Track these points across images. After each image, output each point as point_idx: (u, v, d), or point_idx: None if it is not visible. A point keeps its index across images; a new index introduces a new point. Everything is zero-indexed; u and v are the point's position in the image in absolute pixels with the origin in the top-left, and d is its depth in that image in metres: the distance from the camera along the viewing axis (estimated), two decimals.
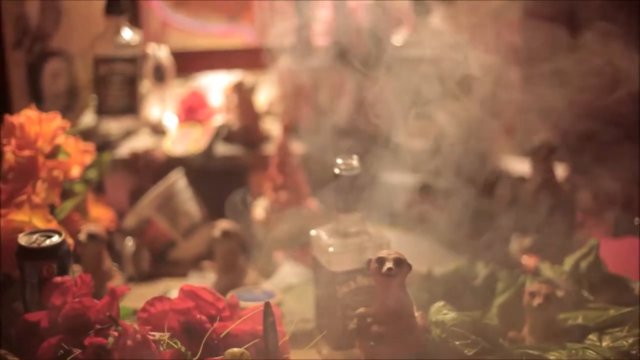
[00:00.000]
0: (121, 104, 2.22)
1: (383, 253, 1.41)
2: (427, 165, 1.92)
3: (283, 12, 2.13)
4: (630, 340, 1.48)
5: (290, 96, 2.24)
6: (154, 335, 1.39)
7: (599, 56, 1.80)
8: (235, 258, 1.86)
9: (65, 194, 1.77)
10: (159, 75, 2.31)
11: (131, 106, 2.23)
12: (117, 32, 2.19)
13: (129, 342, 1.35)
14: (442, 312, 1.50)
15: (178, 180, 2.08)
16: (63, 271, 1.48)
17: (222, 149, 2.17)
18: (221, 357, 1.37)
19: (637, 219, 1.95)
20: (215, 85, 2.42)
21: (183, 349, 1.39)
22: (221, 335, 1.41)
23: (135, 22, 2.42)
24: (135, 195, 2.09)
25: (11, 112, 1.78)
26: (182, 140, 2.20)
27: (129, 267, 1.99)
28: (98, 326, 1.37)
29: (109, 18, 2.19)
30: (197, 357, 1.38)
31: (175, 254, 2.06)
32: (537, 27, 1.90)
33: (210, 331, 1.40)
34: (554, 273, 1.67)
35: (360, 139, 1.99)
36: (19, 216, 1.60)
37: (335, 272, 1.56)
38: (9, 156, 1.67)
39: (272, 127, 2.25)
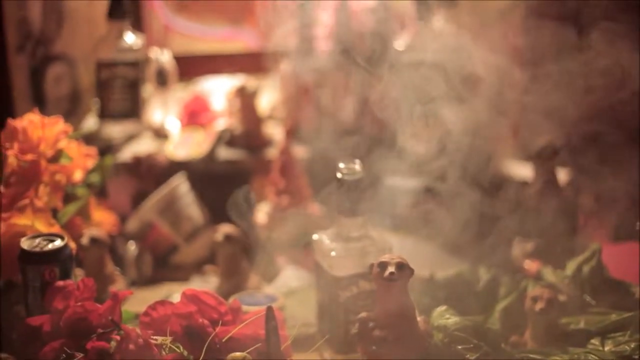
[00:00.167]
0: (123, 108, 2.22)
1: (385, 257, 1.41)
2: (430, 168, 1.92)
3: (285, 16, 2.13)
4: (633, 345, 1.48)
5: (292, 100, 2.24)
6: (156, 340, 1.39)
7: (604, 57, 1.80)
8: (237, 262, 1.86)
9: (68, 198, 1.78)
10: (162, 79, 2.31)
11: (133, 110, 2.23)
12: (120, 36, 2.20)
13: (131, 346, 1.35)
14: (444, 317, 1.50)
15: (180, 184, 2.08)
16: (65, 275, 1.48)
17: (225, 153, 2.17)
18: None
19: (639, 223, 1.95)
20: (218, 90, 2.42)
21: (185, 353, 1.39)
22: (223, 340, 1.41)
23: (138, 26, 2.42)
24: (138, 199, 2.09)
25: (14, 116, 1.78)
26: (184, 145, 2.20)
27: (131, 271, 1.99)
28: (100, 330, 1.37)
29: (111, 22, 2.20)
30: None
31: (177, 258, 2.06)
32: (541, 29, 1.90)
33: (212, 335, 1.40)
34: (556, 277, 1.67)
35: (363, 142, 1.98)
36: (22, 220, 1.61)
37: (338, 276, 1.56)
38: (12, 160, 1.67)
39: (275, 131, 2.25)
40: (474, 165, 1.88)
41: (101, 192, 2.05)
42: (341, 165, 1.56)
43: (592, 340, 1.52)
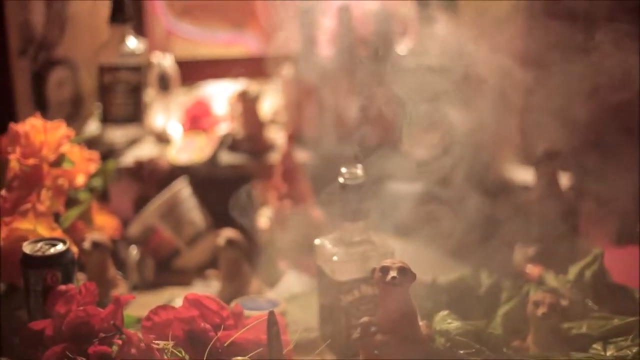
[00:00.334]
0: (126, 113, 2.22)
1: (387, 262, 1.41)
2: (432, 172, 1.92)
3: (288, 20, 2.13)
4: (635, 350, 1.48)
5: (294, 105, 2.24)
6: (158, 344, 1.39)
7: (608, 60, 1.80)
8: (239, 267, 1.86)
9: (70, 203, 1.78)
10: (164, 83, 2.31)
11: (136, 115, 2.23)
12: (122, 40, 2.20)
13: (133, 351, 1.35)
14: (446, 321, 1.50)
15: (182, 188, 2.08)
16: (67, 279, 1.48)
17: (227, 158, 2.17)
18: None
19: None
20: (220, 94, 2.43)
21: (187, 357, 1.39)
22: (225, 344, 1.41)
23: (140, 30, 2.42)
24: (140, 204, 2.09)
25: (16, 121, 1.78)
26: (186, 149, 2.20)
27: (133, 275, 1.99)
28: (102, 334, 1.37)
29: (113, 27, 2.20)
30: None
31: (179, 263, 2.06)
32: (543, 32, 1.90)
33: (214, 340, 1.40)
34: (558, 282, 1.67)
35: (366, 147, 1.98)
36: (24, 224, 1.61)
37: (340, 281, 1.56)
38: (14, 164, 1.67)
39: (277, 135, 2.25)
40: (476, 169, 1.88)
41: (103, 197, 2.05)
42: (343, 169, 1.56)
43: (594, 345, 1.52)
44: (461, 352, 1.46)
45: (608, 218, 2.00)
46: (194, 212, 2.08)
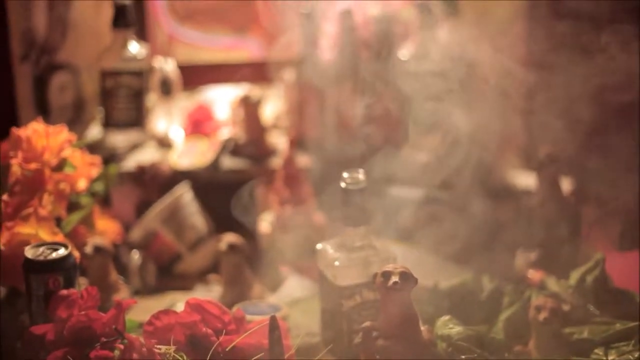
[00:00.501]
0: (127, 117, 2.23)
1: (389, 267, 1.41)
2: (434, 177, 1.92)
3: (289, 25, 2.13)
4: (637, 355, 1.48)
5: (296, 109, 2.24)
6: (159, 349, 1.39)
7: (609, 65, 1.80)
8: (241, 271, 1.86)
9: (72, 207, 1.78)
10: (166, 88, 2.31)
11: (137, 119, 2.24)
12: (124, 45, 2.20)
13: (135, 356, 1.35)
14: (448, 326, 1.50)
15: (184, 193, 2.08)
16: (69, 284, 1.48)
17: (229, 163, 2.18)
18: None
19: None
20: (222, 99, 2.43)
21: None
22: (227, 349, 1.41)
23: (142, 35, 2.42)
24: (142, 208, 2.09)
25: (18, 125, 1.78)
26: (188, 154, 2.20)
27: (135, 280, 1.99)
28: (104, 339, 1.37)
29: (115, 31, 2.20)
30: None
31: (181, 267, 2.06)
32: (544, 36, 1.90)
33: (216, 345, 1.40)
34: (559, 287, 1.67)
35: (368, 151, 1.99)
36: (26, 229, 1.61)
37: (341, 286, 1.56)
38: (16, 169, 1.67)
39: (279, 140, 2.25)
40: (478, 173, 1.88)
41: (105, 201, 2.05)
42: (345, 174, 1.56)
43: (596, 350, 1.51)
44: (463, 357, 1.46)
45: (610, 223, 2.00)
46: (195, 217, 2.08)
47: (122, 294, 1.82)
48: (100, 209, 1.97)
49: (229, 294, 1.85)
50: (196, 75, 2.54)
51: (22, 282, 1.50)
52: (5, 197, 1.65)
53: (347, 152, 2.03)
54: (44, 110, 2.17)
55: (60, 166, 1.72)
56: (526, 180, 2.10)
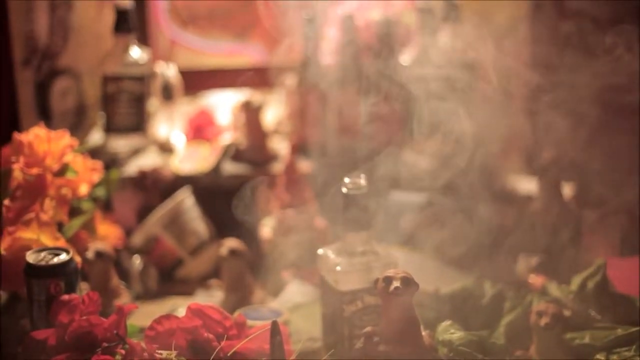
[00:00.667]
0: (129, 122, 2.23)
1: (390, 272, 1.41)
2: (435, 182, 1.92)
3: (291, 30, 2.13)
4: None
5: (298, 115, 2.24)
6: (161, 354, 1.38)
7: (611, 67, 1.80)
8: (242, 276, 1.86)
9: (73, 212, 1.78)
10: (167, 93, 2.31)
11: (139, 124, 2.24)
12: (126, 50, 2.20)
13: None
14: (449, 332, 1.50)
15: (185, 198, 2.08)
16: (70, 289, 1.48)
17: (230, 168, 2.18)
18: None
19: None
20: (223, 104, 2.43)
21: None
22: (228, 354, 1.41)
23: (144, 40, 2.42)
24: (143, 213, 2.09)
25: (20, 130, 1.78)
26: (189, 159, 2.20)
27: (136, 285, 1.99)
28: (105, 344, 1.37)
29: (117, 36, 2.20)
30: None
31: (182, 272, 2.06)
32: (546, 43, 1.90)
33: (217, 350, 1.40)
34: (561, 292, 1.67)
35: (369, 156, 1.99)
36: (27, 234, 1.61)
37: (343, 291, 1.56)
38: (18, 174, 1.67)
39: (280, 146, 2.25)
40: (479, 179, 1.88)
41: (106, 206, 2.05)
42: (346, 179, 1.56)
43: (598, 355, 1.51)
44: None
45: (611, 228, 2.00)
46: (197, 222, 2.08)
47: (124, 299, 1.82)
48: (101, 214, 1.97)
49: (231, 299, 1.85)
50: (198, 81, 2.54)
51: (23, 287, 1.50)
52: (6, 202, 1.65)
53: (349, 154, 2.03)
54: (45, 115, 2.17)
55: (62, 171, 1.72)
56: (528, 185, 2.10)
